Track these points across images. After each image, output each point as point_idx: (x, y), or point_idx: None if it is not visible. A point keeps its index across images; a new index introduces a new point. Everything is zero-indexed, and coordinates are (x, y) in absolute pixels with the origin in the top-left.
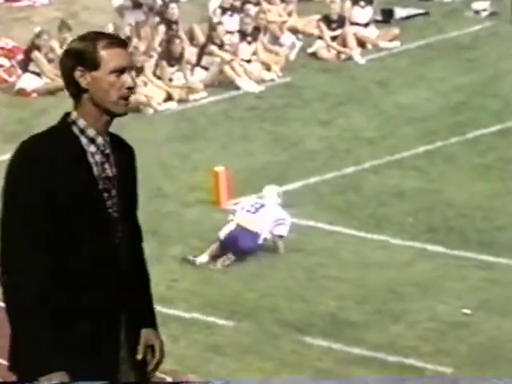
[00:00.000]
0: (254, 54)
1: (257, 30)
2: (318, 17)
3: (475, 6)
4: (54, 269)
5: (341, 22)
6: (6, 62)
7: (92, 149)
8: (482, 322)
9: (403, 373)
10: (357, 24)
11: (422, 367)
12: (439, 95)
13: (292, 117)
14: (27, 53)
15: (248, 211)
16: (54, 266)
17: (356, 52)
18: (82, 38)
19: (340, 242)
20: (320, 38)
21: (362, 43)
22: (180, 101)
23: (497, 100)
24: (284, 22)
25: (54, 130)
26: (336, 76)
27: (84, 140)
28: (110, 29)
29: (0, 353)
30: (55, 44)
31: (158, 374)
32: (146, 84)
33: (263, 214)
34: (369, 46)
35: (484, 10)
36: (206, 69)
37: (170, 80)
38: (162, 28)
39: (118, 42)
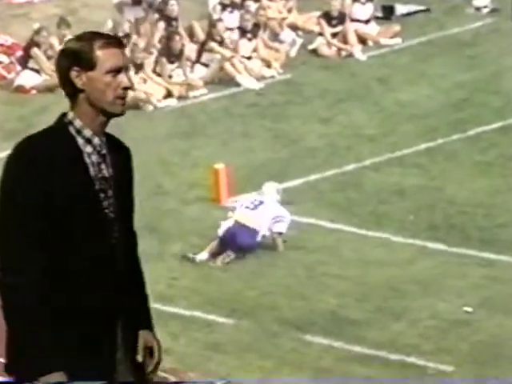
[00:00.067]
0: (255, 50)
1: (257, 26)
2: (319, 13)
3: (476, 2)
4: (51, 269)
5: (341, 18)
6: (5, 59)
7: (88, 149)
8: (483, 319)
9: (404, 371)
10: (357, 21)
11: (424, 365)
12: (440, 92)
13: (292, 114)
14: (26, 49)
15: (247, 208)
16: (51, 266)
17: (357, 49)
18: (77, 38)
19: (340, 240)
20: (320, 34)
21: (362, 40)
22: (180, 98)
23: (498, 97)
24: (284, 19)
25: (50, 130)
26: (337, 73)
27: (80, 140)
28: (109, 25)
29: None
30: (54, 41)
31: (160, 374)
32: (145, 81)
33: (262, 210)
34: (369, 43)
35: (485, 7)
36: (206, 66)
37: (170, 77)
38: (162, 25)
39: (114, 42)
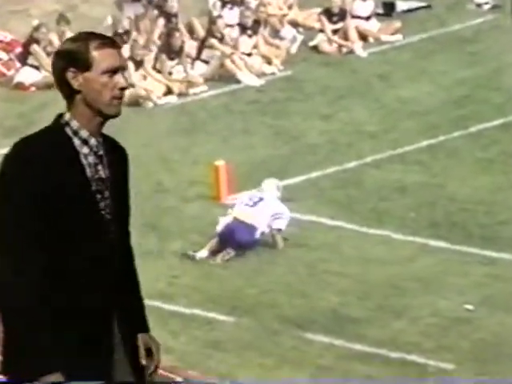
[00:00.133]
0: (255, 47)
1: (257, 23)
2: (319, 10)
3: None
4: (49, 269)
5: (342, 15)
6: (4, 56)
7: (85, 150)
8: (484, 317)
9: (405, 369)
10: (358, 17)
11: (424, 363)
12: (441, 89)
13: (293, 110)
14: (26, 46)
15: (246, 205)
16: (49, 266)
17: (357, 45)
18: (73, 39)
19: (341, 237)
20: (321, 31)
21: (363, 36)
22: (180, 94)
23: (500, 93)
24: (284, 16)
25: (47, 131)
26: (337, 69)
27: (77, 141)
28: (108, 22)
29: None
30: (54, 37)
31: (160, 372)
32: (145, 78)
33: (261, 207)
34: (370, 40)
35: (486, 3)
36: (207, 62)
37: (170, 74)
38: (162, 21)
39: (110, 42)
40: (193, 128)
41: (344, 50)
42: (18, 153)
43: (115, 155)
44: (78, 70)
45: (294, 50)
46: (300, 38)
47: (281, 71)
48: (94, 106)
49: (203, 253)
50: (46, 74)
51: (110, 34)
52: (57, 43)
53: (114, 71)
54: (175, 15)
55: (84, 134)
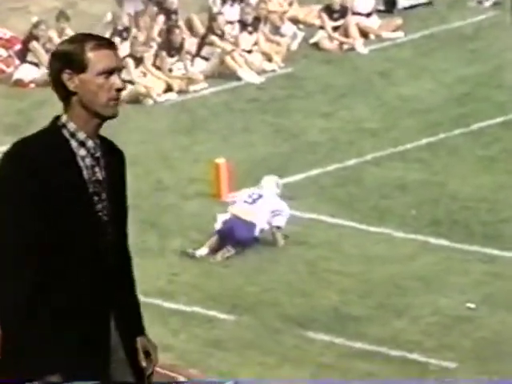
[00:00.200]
0: (255, 44)
1: (257, 20)
2: (320, 7)
3: None
4: (47, 269)
5: (343, 11)
6: (3, 53)
7: (82, 152)
8: (485, 316)
9: (406, 367)
10: (359, 14)
11: (426, 362)
12: (443, 86)
13: (294, 108)
14: (25, 43)
15: (245, 202)
16: (46, 267)
17: (358, 42)
18: (70, 40)
19: (342, 235)
20: (322, 28)
21: (364, 33)
22: (180, 92)
23: (501, 91)
24: (285, 12)
25: (44, 132)
26: (338, 67)
27: (74, 143)
28: (108, 18)
29: None
30: (53, 34)
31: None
32: (145, 75)
33: (260, 204)
34: (371, 37)
35: (487, 0)
36: (207, 59)
37: (170, 71)
38: (161, 18)
39: (106, 43)
40: (193, 125)
41: (345, 46)
42: (14, 154)
43: (112, 157)
44: (73, 71)
45: (294, 46)
46: (301, 34)
47: (281, 68)
48: (90, 108)
49: (203, 250)
50: (45, 71)
51: (109, 30)
52: (56, 40)
53: (110, 72)
54: (175, 12)
55: (81, 136)
